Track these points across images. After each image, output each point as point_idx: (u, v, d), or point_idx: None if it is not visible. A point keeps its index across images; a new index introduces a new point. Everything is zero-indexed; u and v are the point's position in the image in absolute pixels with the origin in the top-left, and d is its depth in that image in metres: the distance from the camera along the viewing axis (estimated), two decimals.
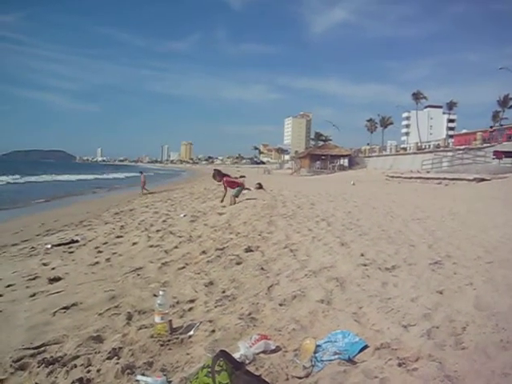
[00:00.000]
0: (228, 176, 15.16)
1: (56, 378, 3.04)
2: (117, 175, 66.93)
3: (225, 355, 2.52)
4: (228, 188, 14.78)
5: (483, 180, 26.05)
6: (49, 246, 8.36)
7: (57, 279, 5.88)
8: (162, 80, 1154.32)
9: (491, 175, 27.22)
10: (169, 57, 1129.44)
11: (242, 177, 21.01)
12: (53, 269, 6.55)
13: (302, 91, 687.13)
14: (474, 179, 26.42)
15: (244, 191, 18.52)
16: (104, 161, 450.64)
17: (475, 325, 3.53)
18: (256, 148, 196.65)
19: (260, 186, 20.45)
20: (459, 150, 47.06)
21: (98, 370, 3.09)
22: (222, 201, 14.49)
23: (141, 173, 27.59)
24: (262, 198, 15.35)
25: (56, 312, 4.47)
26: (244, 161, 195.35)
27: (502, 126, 63.99)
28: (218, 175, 15.08)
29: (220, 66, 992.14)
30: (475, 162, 38.10)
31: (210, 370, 2.41)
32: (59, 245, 8.51)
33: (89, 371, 3.09)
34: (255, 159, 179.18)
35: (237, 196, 14.45)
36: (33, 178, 47.89)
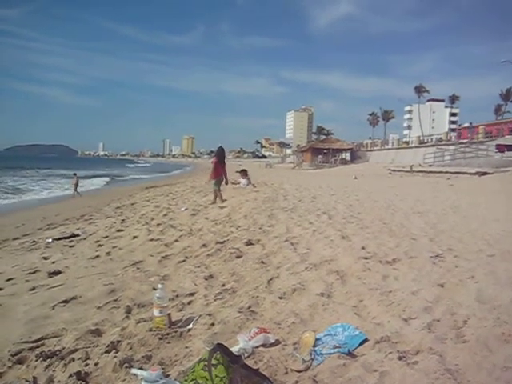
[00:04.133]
0: (219, 163, 13.87)
1: (54, 371, 3.02)
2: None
3: (222, 348, 2.50)
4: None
5: (485, 174, 26.04)
6: (50, 240, 8.37)
7: (57, 273, 5.87)
8: (164, 74, 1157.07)
9: (493, 169, 27.20)
10: (172, 51, 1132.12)
11: (243, 171, 20.86)
12: (53, 262, 6.55)
13: (305, 85, 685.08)
14: (477, 173, 26.42)
15: (248, 186, 18.29)
16: (106, 155, 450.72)
17: (476, 318, 3.50)
18: (258, 142, 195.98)
19: (245, 172, 20.01)
20: (461, 143, 46.98)
21: (96, 364, 3.07)
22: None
23: (74, 174, 26.99)
24: (263, 191, 15.31)
25: (55, 306, 4.45)
26: (246, 155, 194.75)
27: (471, 123, 64.83)
28: (217, 156, 14.18)
29: (223, 60, 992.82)
30: (477, 155, 38.02)
31: (206, 363, 2.39)
32: (60, 239, 8.52)
33: (87, 365, 3.07)
34: (257, 153, 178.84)
35: (217, 189, 13.45)
36: None
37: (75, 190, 25.86)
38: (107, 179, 44.97)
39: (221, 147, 14.69)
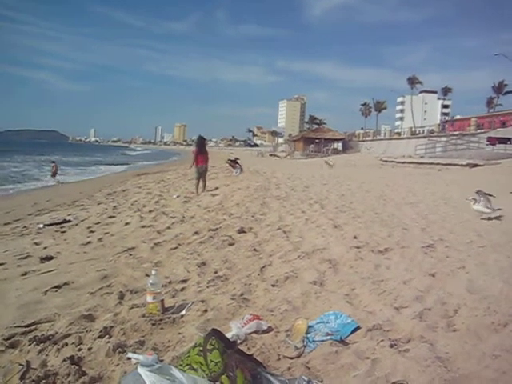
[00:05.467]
0: (200, 153, 13.92)
1: (47, 355, 3.02)
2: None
3: (217, 334, 2.51)
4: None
5: (476, 166, 26.09)
6: (41, 226, 8.33)
7: (49, 258, 5.86)
8: (158, 61, 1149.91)
9: (484, 161, 27.26)
10: (166, 38, 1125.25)
11: (232, 160, 20.88)
12: (45, 248, 6.53)
13: (298, 74, 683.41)
14: (467, 165, 26.47)
15: (237, 173, 18.39)
16: (97, 141, 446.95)
17: (467, 307, 3.54)
18: (250, 131, 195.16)
19: (234, 162, 20.25)
20: (453, 135, 47.11)
21: (89, 349, 3.08)
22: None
23: (53, 162, 26.49)
24: (255, 179, 15.31)
25: (48, 291, 4.45)
26: (238, 143, 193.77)
27: (452, 117, 65.18)
28: (198, 146, 14.34)
29: (218, 48, 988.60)
30: (469, 147, 38.12)
31: (201, 348, 2.39)
32: (51, 224, 8.48)
33: (80, 349, 3.08)
34: (249, 142, 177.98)
35: (196, 178, 13.59)
36: None
37: (54, 177, 25.28)
38: (126, 166, 46.91)
39: (200, 136, 14.91)
